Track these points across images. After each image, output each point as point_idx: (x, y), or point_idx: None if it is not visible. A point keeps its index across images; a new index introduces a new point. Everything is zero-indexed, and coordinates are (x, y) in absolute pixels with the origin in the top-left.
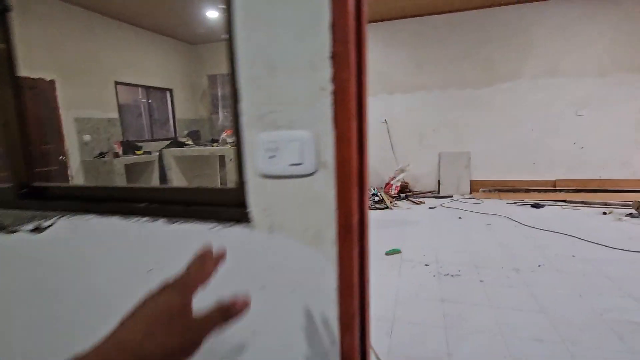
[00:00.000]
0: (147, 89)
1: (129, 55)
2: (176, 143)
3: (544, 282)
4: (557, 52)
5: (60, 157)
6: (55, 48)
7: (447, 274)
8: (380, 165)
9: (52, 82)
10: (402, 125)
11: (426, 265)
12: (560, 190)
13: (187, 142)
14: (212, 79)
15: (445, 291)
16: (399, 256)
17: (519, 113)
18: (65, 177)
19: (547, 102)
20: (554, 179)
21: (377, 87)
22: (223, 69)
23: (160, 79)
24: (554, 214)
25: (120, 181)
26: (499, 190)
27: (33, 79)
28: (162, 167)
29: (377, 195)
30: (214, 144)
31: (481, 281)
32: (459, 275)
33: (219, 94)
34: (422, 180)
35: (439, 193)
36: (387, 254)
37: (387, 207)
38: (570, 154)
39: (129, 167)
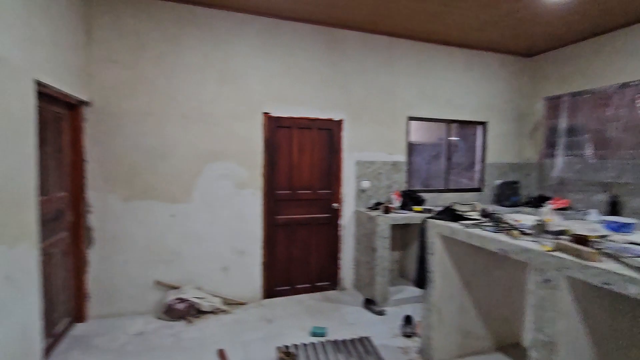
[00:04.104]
0: (449, 123)
1: (430, 83)
2: (449, 212)
3: None
4: None
5: (334, 205)
6: (349, 83)
7: None
8: None
9: (339, 122)
10: None
11: None
12: None
13: (468, 214)
14: (553, 103)
15: None
16: None
17: None
18: (335, 226)
19: None
20: None
21: None
22: (575, 85)
23: (470, 109)
24: None
25: (382, 244)
26: None
27: (322, 119)
28: (423, 247)
29: None
30: (504, 227)
31: None
32: None
33: (561, 126)
34: None
35: None
36: None
37: None
38: None
39: (398, 228)
